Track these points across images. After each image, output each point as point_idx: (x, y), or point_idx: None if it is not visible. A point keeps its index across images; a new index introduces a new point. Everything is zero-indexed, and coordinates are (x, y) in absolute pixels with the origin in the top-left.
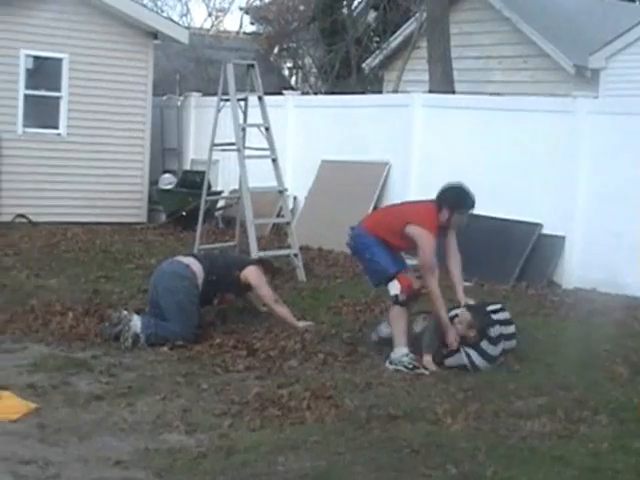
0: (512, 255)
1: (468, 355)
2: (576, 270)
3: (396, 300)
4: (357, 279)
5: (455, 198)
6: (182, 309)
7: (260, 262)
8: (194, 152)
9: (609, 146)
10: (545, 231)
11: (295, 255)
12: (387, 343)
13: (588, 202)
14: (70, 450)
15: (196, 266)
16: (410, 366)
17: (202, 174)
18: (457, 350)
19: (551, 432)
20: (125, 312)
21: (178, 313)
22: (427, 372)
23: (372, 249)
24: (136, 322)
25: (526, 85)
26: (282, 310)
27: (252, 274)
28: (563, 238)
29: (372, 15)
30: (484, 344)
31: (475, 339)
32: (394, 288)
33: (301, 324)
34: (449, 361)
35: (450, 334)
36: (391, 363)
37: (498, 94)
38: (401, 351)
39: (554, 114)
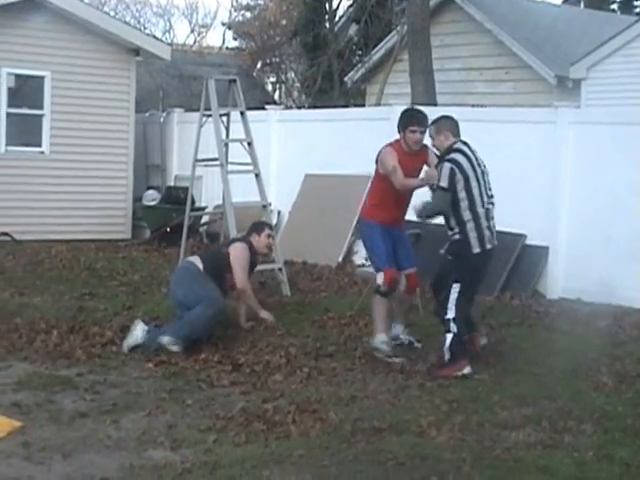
0: (496, 266)
1: None
2: (560, 280)
3: (378, 289)
4: (341, 293)
5: (402, 118)
6: (198, 288)
7: (255, 229)
8: (177, 168)
9: (591, 155)
10: (529, 242)
11: (279, 269)
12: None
13: (571, 212)
14: (55, 468)
15: (197, 260)
16: (388, 355)
17: (186, 190)
18: None
19: (536, 442)
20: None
21: (197, 292)
22: (398, 361)
23: (370, 239)
24: (138, 332)
25: (508, 96)
26: (248, 296)
27: (234, 250)
28: (547, 248)
29: (354, 29)
30: None
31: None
32: (379, 278)
33: (264, 314)
34: None
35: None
36: (372, 349)
37: (481, 106)
38: (379, 338)
39: (536, 125)
